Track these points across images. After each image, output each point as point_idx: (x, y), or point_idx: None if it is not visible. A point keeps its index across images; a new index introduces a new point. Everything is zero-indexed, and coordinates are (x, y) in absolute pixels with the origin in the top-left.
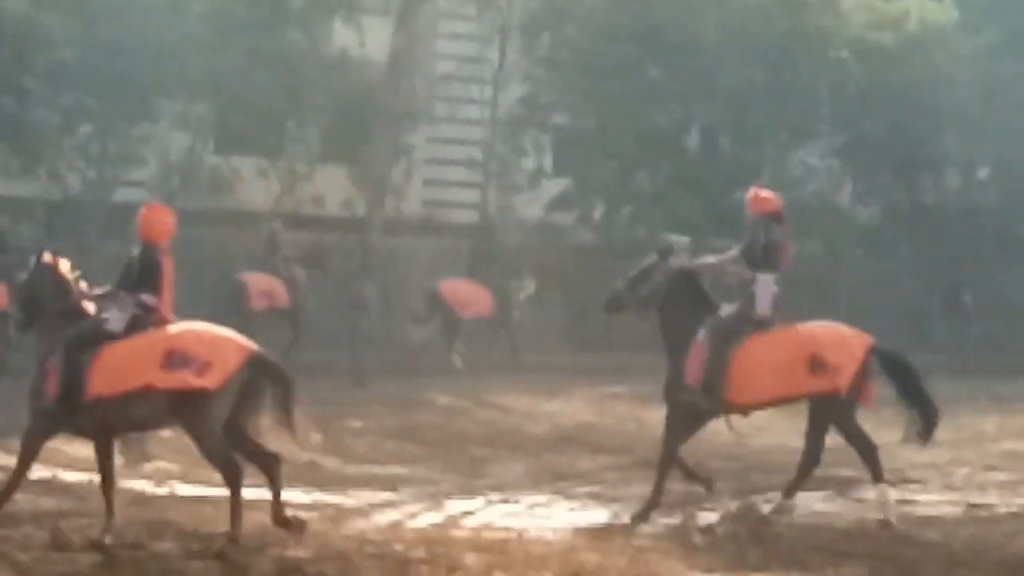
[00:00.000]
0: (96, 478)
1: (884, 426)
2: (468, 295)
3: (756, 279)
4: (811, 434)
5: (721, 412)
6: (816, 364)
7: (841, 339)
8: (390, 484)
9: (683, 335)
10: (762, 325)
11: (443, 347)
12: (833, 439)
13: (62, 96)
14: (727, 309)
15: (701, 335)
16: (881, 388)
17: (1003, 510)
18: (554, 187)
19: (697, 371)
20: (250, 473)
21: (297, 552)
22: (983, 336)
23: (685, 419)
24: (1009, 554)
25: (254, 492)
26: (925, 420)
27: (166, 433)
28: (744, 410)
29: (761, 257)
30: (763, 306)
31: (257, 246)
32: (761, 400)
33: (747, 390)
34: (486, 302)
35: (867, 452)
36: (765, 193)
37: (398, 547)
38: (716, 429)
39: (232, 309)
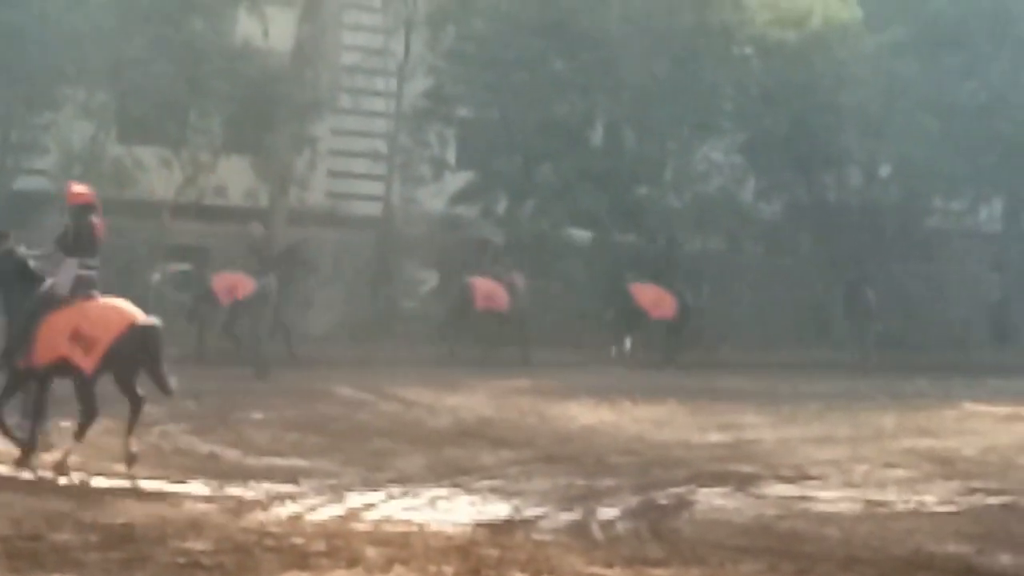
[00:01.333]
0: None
1: (784, 423)
2: (489, 290)
3: (63, 262)
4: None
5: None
6: (76, 336)
7: (106, 315)
8: (291, 476)
9: (14, 309)
10: (64, 301)
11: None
12: (732, 436)
13: None
14: (44, 288)
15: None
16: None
17: (902, 507)
18: (458, 180)
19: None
20: (148, 466)
21: (196, 544)
22: (884, 333)
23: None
24: (908, 550)
25: (152, 484)
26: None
27: (65, 423)
28: (39, 373)
29: (71, 244)
30: (63, 286)
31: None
32: (42, 362)
33: (39, 354)
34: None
35: (132, 411)
36: (79, 187)
37: (298, 540)
38: (619, 424)
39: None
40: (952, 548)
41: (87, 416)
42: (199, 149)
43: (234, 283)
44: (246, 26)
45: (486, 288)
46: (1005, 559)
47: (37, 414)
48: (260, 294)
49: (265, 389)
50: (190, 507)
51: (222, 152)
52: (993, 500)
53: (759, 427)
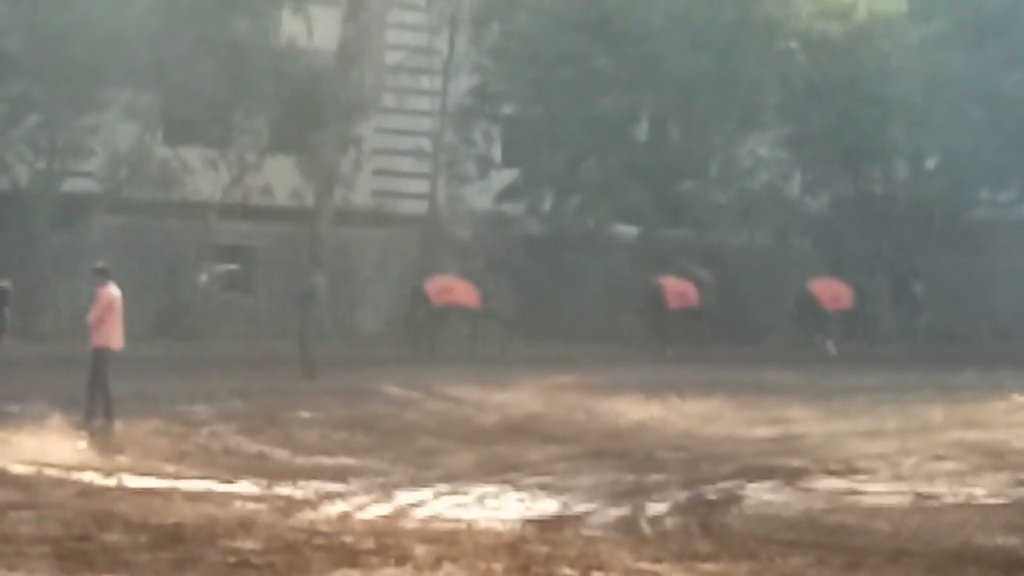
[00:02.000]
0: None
1: (831, 416)
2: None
3: None
4: None
5: None
6: None
7: None
8: (339, 475)
9: None
10: None
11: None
12: (780, 430)
13: (9, 86)
14: None
15: None
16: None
17: (951, 500)
18: (503, 177)
19: None
20: (198, 466)
21: (245, 543)
22: (931, 325)
23: None
24: (957, 543)
25: (203, 484)
26: None
27: (117, 425)
28: None
29: None
30: None
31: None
32: None
33: None
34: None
35: None
36: None
37: (347, 538)
38: (667, 419)
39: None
40: (1001, 540)
41: None
42: (244, 149)
43: None
44: (290, 26)
45: (677, 287)
46: None
47: None
48: (308, 292)
49: (313, 388)
50: (239, 507)
51: (267, 152)
52: None
53: (807, 421)
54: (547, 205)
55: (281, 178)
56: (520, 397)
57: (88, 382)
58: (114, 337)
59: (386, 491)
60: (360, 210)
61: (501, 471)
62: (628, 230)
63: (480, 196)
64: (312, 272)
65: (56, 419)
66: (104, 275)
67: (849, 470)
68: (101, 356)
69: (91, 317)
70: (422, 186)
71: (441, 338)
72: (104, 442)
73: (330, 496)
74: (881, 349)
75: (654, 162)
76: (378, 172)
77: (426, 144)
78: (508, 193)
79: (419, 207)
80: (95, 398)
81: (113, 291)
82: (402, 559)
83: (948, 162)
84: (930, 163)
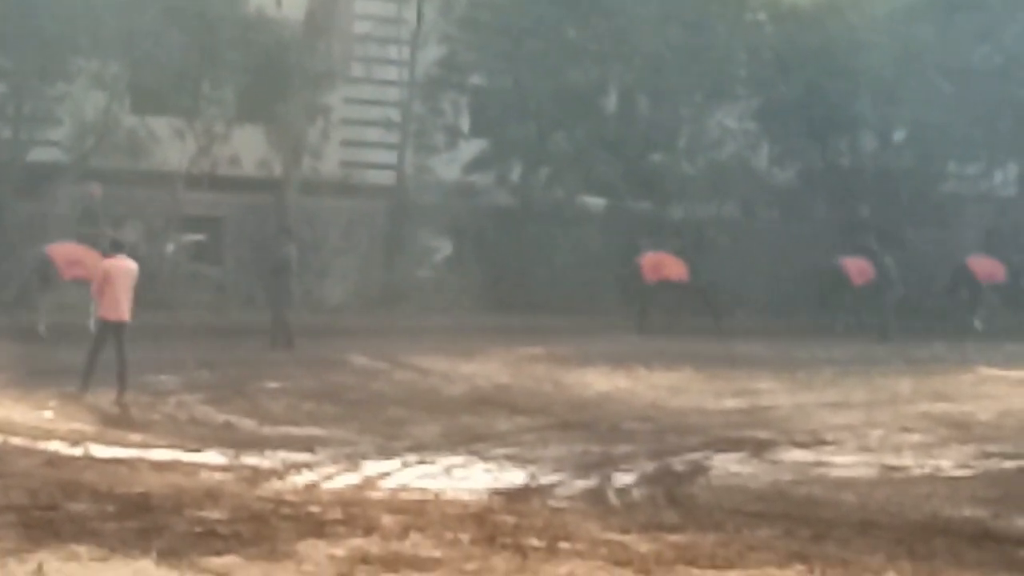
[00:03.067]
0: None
1: (799, 389)
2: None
3: None
4: None
5: None
6: None
7: None
8: (307, 445)
9: None
10: None
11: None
12: (748, 402)
13: None
14: None
15: None
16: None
17: (918, 471)
18: (472, 148)
19: None
20: (166, 434)
21: (212, 513)
22: (901, 299)
23: None
24: (924, 515)
25: (169, 454)
26: None
27: (87, 395)
28: None
29: None
30: None
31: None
32: None
33: None
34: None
35: None
36: None
37: (314, 508)
38: (635, 391)
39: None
40: (968, 512)
41: None
42: (212, 119)
43: None
44: None
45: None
46: (1021, 522)
47: None
48: (283, 264)
49: (280, 359)
50: (206, 476)
51: (235, 122)
52: (1009, 464)
53: (775, 393)
54: (515, 176)
55: (249, 148)
56: (488, 368)
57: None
58: (110, 309)
59: (353, 461)
60: (328, 180)
61: (468, 442)
62: (596, 201)
63: (448, 167)
64: (284, 242)
65: (21, 388)
66: (116, 247)
67: (816, 442)
68: (99, 326)
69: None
70: (390, 156)
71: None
72: (71, 411)
73: (297, 466)
74: (849, 321)
75: (623, 134)
76: (346, 142)
77: (394, 114)
78: (476, 164)
79: (387, 177)
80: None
81: (113, 263)
82: (369, 529)
83: (916, 135)
84: (898, 135)
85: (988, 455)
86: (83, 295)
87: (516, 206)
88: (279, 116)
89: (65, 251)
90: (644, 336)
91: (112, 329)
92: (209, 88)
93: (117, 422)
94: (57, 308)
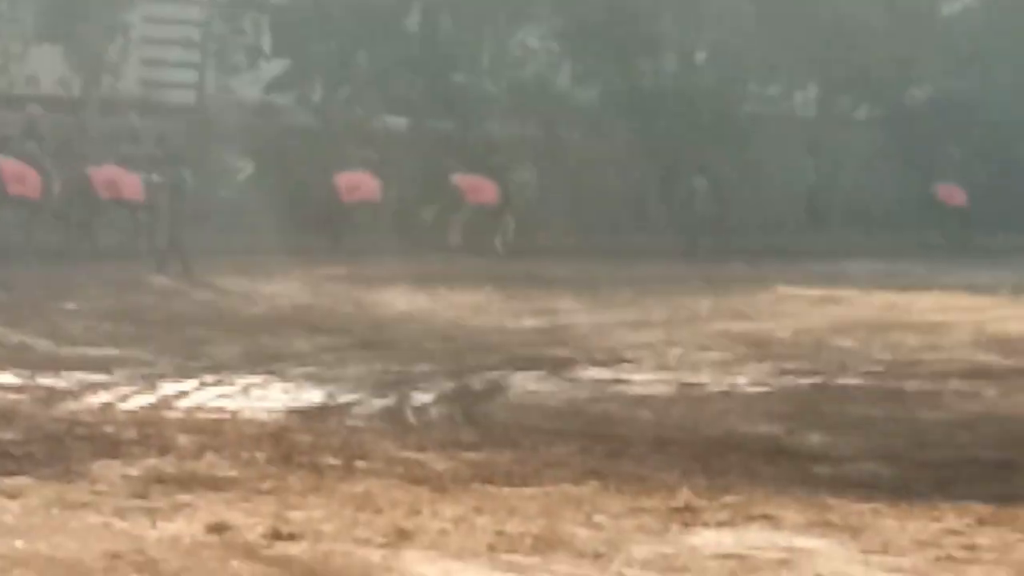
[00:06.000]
0: None
1: (599, 308)
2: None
3: None
4: None
5: None
6: None
7: None
8: (103, 366)
9: None
10: None
11: None
12: (548, 321)
13: None
14: None
15: None
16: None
17: (714, 389)
18: (273, 68)
19: None
20: None
21: (5, 434)
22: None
23: None
24: (719, 431)
25: None
26: None
27: None
28: None
29: None
30: None
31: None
32: None
33: None
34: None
35: None
36: None
37: (109, 429)
38: (435, 311)
39: None
40: (763, 428)
41: None
42: (9, 38)
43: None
44: None
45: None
46: (814, 438)
47: None
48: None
49: (80, 279)
50: (0, 397)
51: (33, 41)
52: (804, 381)
53: (574, 312)
54: (317, 96)
55: (47, 67)
56: (288, 288)
57: None
58: None
59: (150, 382)
60: (128, 100)
61: (267, 361)
62: (398, 121)
63: (250, 86)
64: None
65: None
66: None
67: (615, 360)
68: None
69: None
70: (191, 76)
71: None
72: None
73: (93, 387)
74: (652, 242)
75: (425, 53)
76: (146, 61)
77: (195, 33)
78: (277, 83)
79: (188, 97)
80: None
81: None
82: (164, 449)
83: (718, 56)
84: (700, 57)
85: (784, 372)
86: None
87: (317, 126)
88: (78, 35)
89: None
90: (446, 255)
91: None
92: (6, 7)
93: None
94: None
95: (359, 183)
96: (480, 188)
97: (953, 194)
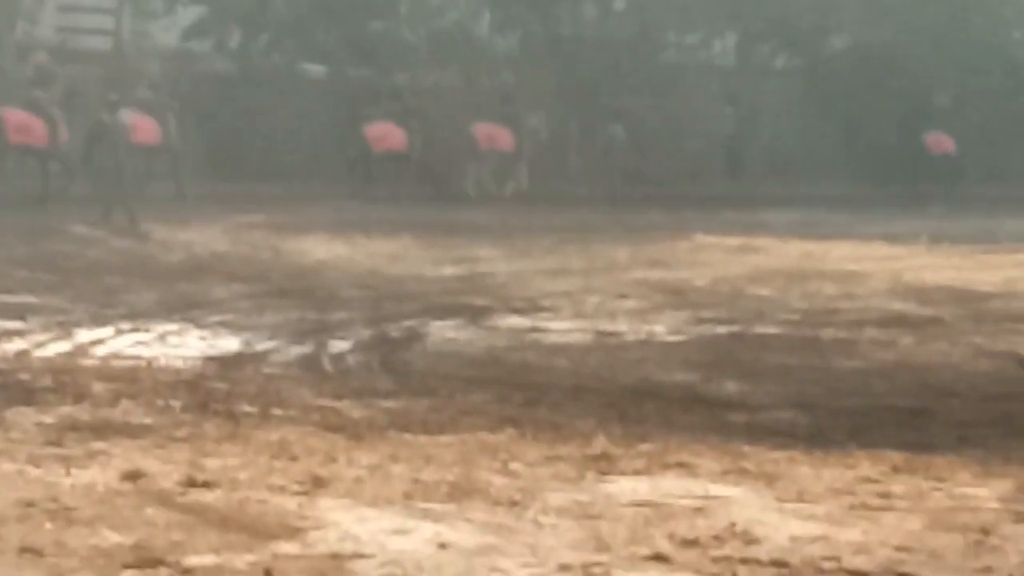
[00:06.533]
0: None
1: (517, 256)
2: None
3: None
4: None
5: None
6: None
7: None
8: (18, 313)
9: None
10: None
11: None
12: (466, 269)
13: None
14: None
15: None
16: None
17: (631, 337)
18: (190, 14)
19: None
20: None
21: None
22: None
23: None
24: (635, 379)
25: None
26: None
27: None
28: None
29: None
30: None
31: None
32: None
33: None
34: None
35: None
36: None
37: (24, 376)
38: (353, 258)
39: None
40: (679, 376)
41: None
42: None
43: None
44: None
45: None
46: (730, 386)
47: None
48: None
49: None
50: None
51: None
52: (721, 329)
53: (493, 260)
54: (234, 43)
55: None
56: (206, 236)
57: None
58: None
59: (66, 329)
60: (44, 46)
61: (184, 309)
62: (317, 69)
63: (166, 32)
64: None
65: None
66: None
67: (533, 308)
68: None
69: None
70: (107, 21)
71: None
72: None
73: (7, 334)
74: (570, 190)
75: (344, 1)
76: (62, 7)
77: None
78: (195, 30)
79: (104, 43)
80: None
81: None
82: (80, 396)
83: (636, 3)
84: (619, 4)
85: (701, 321)
86: None
87: (235, 73)
88: None
89: None
90: (363, 203)
91: None
92: None
93: None
94: None
95: (386, 133)
96: (496, 136)
97: (941, 142)
